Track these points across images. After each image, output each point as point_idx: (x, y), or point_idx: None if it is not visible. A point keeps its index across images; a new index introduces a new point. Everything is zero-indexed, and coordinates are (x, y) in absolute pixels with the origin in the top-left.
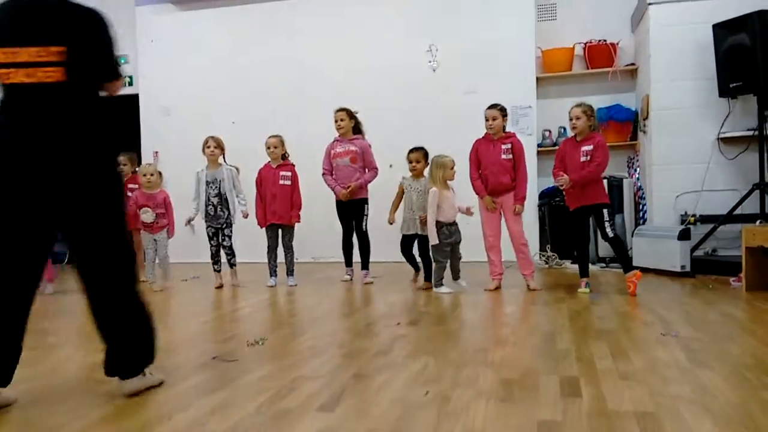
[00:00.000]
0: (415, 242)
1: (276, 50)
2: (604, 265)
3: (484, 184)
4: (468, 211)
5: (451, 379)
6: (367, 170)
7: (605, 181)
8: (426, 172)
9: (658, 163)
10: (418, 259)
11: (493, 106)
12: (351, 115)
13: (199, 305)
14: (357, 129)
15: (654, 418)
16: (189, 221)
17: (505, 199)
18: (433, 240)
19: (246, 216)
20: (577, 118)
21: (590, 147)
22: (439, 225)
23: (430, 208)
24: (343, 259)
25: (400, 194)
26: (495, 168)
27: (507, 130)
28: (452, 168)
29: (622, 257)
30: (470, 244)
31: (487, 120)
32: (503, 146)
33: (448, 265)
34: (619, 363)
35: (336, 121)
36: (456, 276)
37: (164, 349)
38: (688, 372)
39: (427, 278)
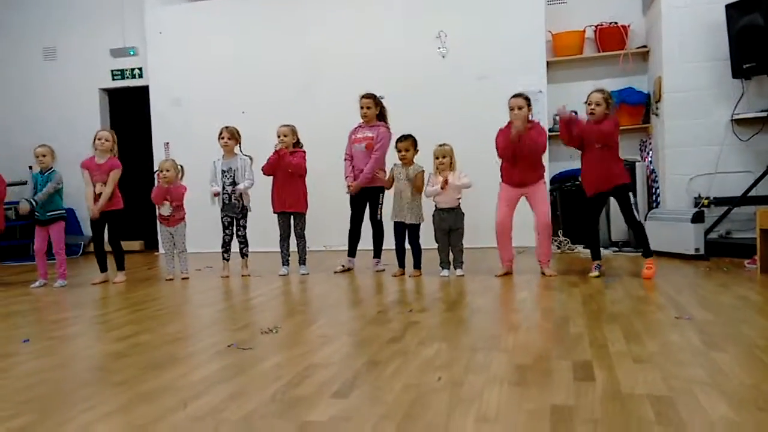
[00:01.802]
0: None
1: (284, 39)
2: (616, 249)
3: (511, 175)
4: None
5: (463, 365)
6: (372, 156)
7: None
8: (415, 159)
9: (671, 145)
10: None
11: (519, 95)
12: (377, 102)
13: (213, 294)
14: (381, 116)
15: (668, 401)
16: (216, 194)
17: (529, 190)
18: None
19: (216, 194)
20: (597, 105)
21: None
22: (435, 209)
23: (425, 186)
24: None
25: (390, 180)
26: (524, 161)
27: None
28: (437, 158)
29: (644, 242)
30: (480, 230)
31: (512, 109)
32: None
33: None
34: (632, 346)
35: (362, 108)
36: (455, 264)
37: (179, 338)
38: (702, 355)
39: (416, 266)
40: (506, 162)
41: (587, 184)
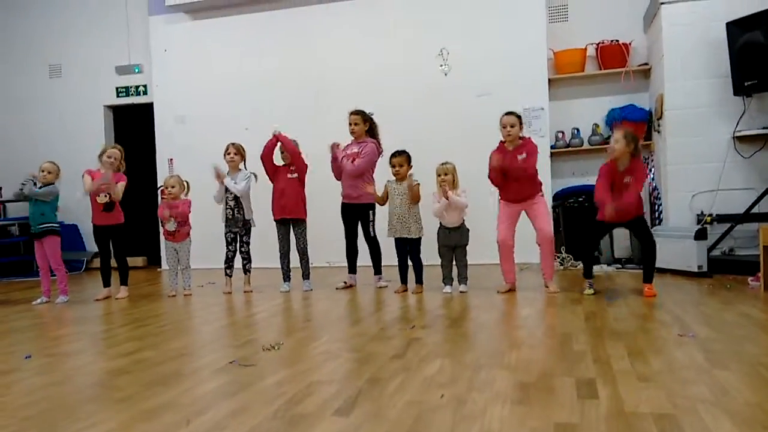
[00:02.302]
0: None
1: (288, 57)
2: (619, 266)
3: (507, 192)
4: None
5: (466, 382)
6: (354, 161)
7: None
8: (417, 177)
9: (673, 162)
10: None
11: (510, 113)
12: (365, 118)
13: (215, 311)
14: (371, 133)
15: (672, 419)
16: (219, 175)
17: (527, 205)
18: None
19: (220, 177)
20: (616, 142)
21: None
22: (440, 227)
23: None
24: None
25: (385, 196)
26: (517, 180)
27: (522, 134)
28: (439, 175)
29: (651, 267)
30: (483, 247)
31: (504, 127)
32: (519, 157)
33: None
34: (636, 364)
35: (350, 124)
36: (459, 280)
37: (182, 354)
38: (706, 373)
39: (418, 281)
40: (498, 184)
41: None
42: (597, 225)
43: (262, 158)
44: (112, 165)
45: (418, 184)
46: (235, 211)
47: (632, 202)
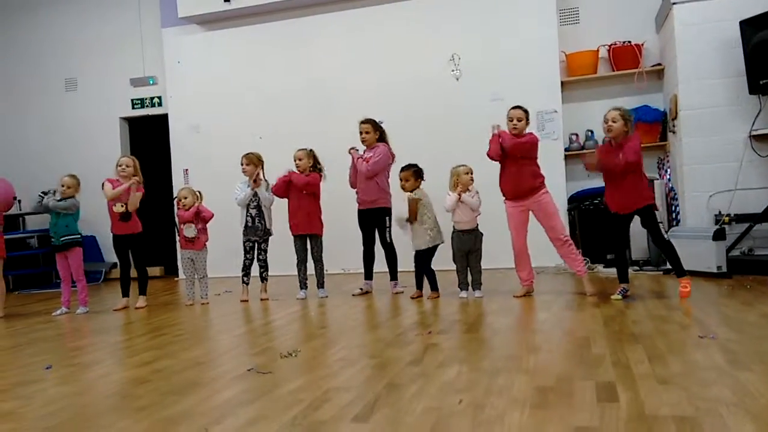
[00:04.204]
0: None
1: (299, 65)
2: (637, 268)
3: (507, 188)
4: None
5: (484, 387)
6: (368, 164)
7: None
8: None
9: (689, 163)
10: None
11: (518, 107)
12: (376, 126)
13: (232, 319)
14: (382, 139)
15: (693, 422)
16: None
17: (532, 202)
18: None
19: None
20: (614, 121)
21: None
22: (454, 231)
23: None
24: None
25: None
26: (517, 172)
27: (527, 131)
28: (466, 173)
29: (676, 261)
30: (498, 251)
31: (511, 120)
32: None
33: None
34: (656, 367)
35: (360, 133)
36: (473, 285)
37: (200, 363)
38: (727, 374)
39: (433, 288)
40: (498, 162)
41: (612, 201)
42: (613, 222)
43: (273, 191)
44: (126, 175)
45: (418, 199)
46: (256, 220)
47: (620, 164)
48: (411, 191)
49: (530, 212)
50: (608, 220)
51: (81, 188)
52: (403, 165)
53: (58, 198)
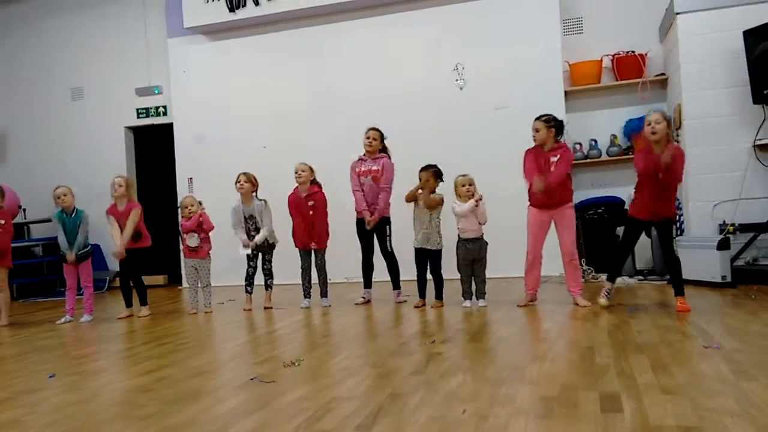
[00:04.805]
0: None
1: (304, 75)
2: (642, 277)
3: (537, 198)
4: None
5: (488, 397)
6: (382, 191)
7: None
8: (437, 190)
9: (694, 172)
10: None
11: (537, 118)
12: (382, 136)
13: (235, 328)
14: (383, 150)
15: None
16: (246, 245)
17: (558, 212)
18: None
19: (246, 246)
20: (657, 123)
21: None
22: (459, 240)
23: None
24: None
25: (414, 195)
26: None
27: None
28: (463, 186)
29: (678, 280)
30: (503, 260)
31: (534, 131)
32: (552, 159)
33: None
34: (660, 377)
35: (368, 139)
36: (478, 294)
37: (203, 371)
38: (731, 385)
39: (438, 296)
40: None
41: (641, 209)
42: (630, 224)
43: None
44: (118, 195)
45: (442, 197)
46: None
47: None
48: (432, 189)
49: (552, 222)
50: (625, 223)
51: (85, 197)
52: (423, 165)
53: (61, 211)
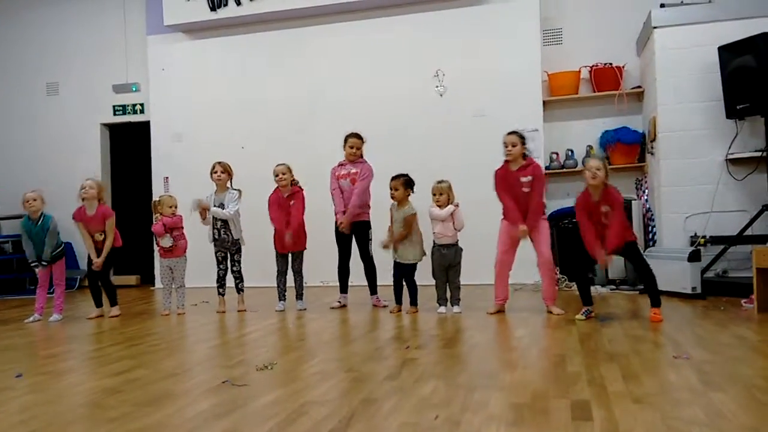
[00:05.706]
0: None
1: (284, 77)
2: (614, 287)
3: (509, 213)
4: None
5: (461, 403)
6: (354, 190)
7: None
8: (412, 199)
9: (667, 184)
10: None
11: (512, 133)
12: (363, 142)
13: (208, 330)
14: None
15: None
16: (202, 208)
17: (533, 226)
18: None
19: (204, 211)
20: (598, 170)
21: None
22: (434, 246)
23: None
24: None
25: (391, 219)
26: (525, 203)
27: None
28: (434, 195)
29: (654, 293)
30: (478, 267)
31: (506, 146)
32: (522, 179)
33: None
34: (630, 386)
35: (352, 147)
36: (452, 301)
37: (174, 374)
38: (700, 395)
39: (413, 303)
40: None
41: (591, 245)
42: (585, 254)
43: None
44: (88, 197)
45: (414, 214)
46: (222, 232)
47: (618, 233)
48: (399, 201)
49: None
50: (582, 250)
51: (59, 195)
52: (393, 175)
53: (30, 217)
